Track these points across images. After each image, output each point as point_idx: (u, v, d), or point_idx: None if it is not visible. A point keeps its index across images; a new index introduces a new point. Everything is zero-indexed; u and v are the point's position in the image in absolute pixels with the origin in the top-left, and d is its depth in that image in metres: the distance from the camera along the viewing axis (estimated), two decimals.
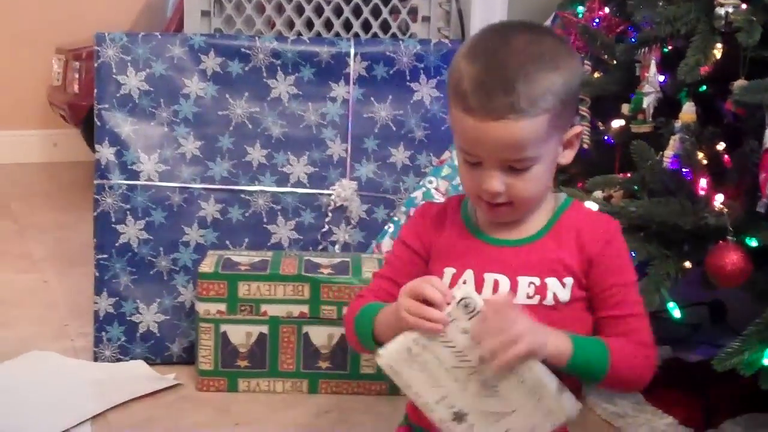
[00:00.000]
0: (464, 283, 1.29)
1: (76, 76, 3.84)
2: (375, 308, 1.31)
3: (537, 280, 1.28)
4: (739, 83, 1.64)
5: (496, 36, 1.26)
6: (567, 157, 1.32)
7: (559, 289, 1.28)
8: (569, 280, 1.29)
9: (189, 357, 2.18)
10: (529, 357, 1.18)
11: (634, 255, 1.71)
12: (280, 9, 2.55)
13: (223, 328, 2.05)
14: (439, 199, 2.24)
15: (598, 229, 1.31)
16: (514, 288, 1.28)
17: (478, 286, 1.29)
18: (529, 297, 1.28)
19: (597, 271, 1.29)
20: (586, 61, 2.03)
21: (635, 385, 1.37)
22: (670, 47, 1.85)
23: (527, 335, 1.17)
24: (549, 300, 1.28)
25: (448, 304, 1.20)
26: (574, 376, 1.28)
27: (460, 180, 1.33)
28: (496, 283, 1.29)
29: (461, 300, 1.19)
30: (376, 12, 2.54)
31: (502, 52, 1.22)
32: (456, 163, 2.23)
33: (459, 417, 1.22)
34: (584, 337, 1.28)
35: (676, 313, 1.77)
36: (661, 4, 1.81)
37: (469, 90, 1.21)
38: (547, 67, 1.21)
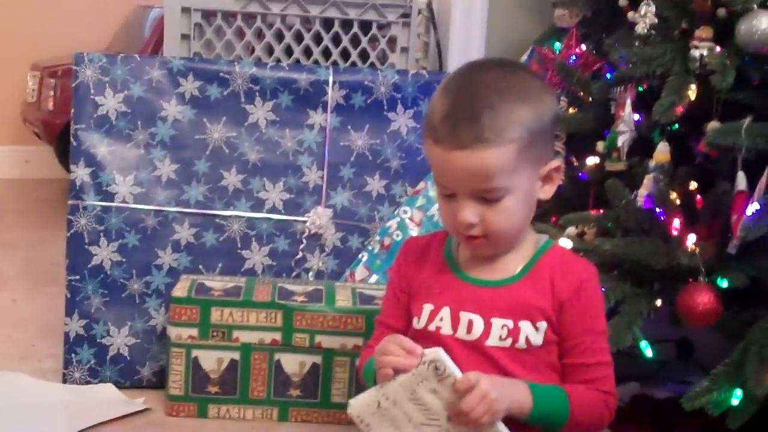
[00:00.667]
0: (441, 320, 1.31)
1: (51, 93, 3.83)
2: None
3: (510, 323, 1.30)
4: (713, 125, 1.66)
5: (469, 72, 1.31)
6: (547, 192, 1.33)
7: (532, 333, 1.30)
8: (543, 325, 1.30)
9: (159, 381, 2.17)
10: (498, 417, 1.22)
11: (606, 294, 1.72)
12: (259, 35, 2.55)
13: (195, 353, 2.05)
14: (412, 229, 2.26)
15: (571, 275, 1.32)
16: (487, 329, 1.30)
17: (454, 324, 1.31)
18: (501, 339, 1.29)
19: (566, 317, 1.30)
20: (562, 98, 2.05)
21: (594, 430, 1.39)
22: (645, 87, 1.88)
23: (500, 400, 1.21)
24: (521, 343, 1.29)
25: (419, 360, 1.22)
26: (535, 426, 1.30)
27: (440, 214, 1.35)
28: (470, 323, 1.30)
29: (430, 363, 1.21)
30: (355, 41, 2.56)
31: (472, 86, 1.26)
32: (431, 193, 2.25)
33: None
34: (545, 386, 1.29)
35: (648, 352, 1.79)
36: (637, 44, 1.84)
37: (437, 121, 1.25)
38: (515, 99, 1.24)
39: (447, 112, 1.24)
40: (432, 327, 1.33)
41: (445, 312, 1.32)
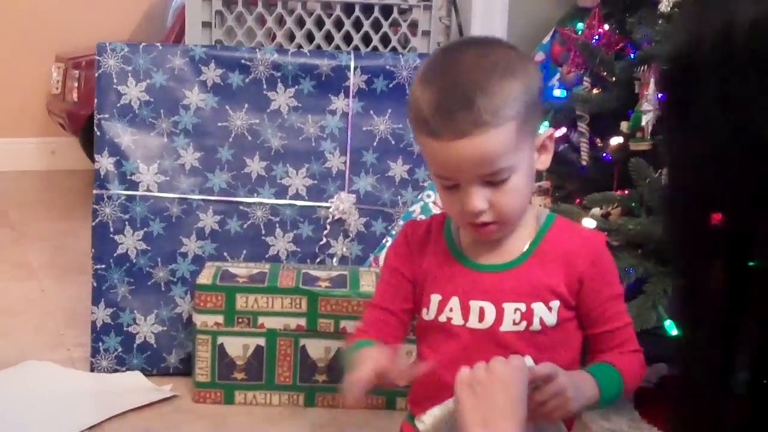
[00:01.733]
0: (451, 310, 1.29)
1: (75, 84, 3.85)
2: (363, 345, 1.29)
3: (523, 306, 1.28)
4: None
5: (446, 57, 1.26)
6: (544, 162, 1.30)
7: (546, 314, 1.28)
8: (555, 303, 1.28)
9: (186, 368, 2.18)
10: (570, 414, 1.22)
11: (631, 271, 1.71)
12: (280, 21, 2.55)
13: (220, 340, 2.06)
14: (436, 212, 2.25)
15: (585, 248, 1.30)
16: (499, 315, 1.28)
17: (465, 313, 1.29)
18: (515, 323, 1.28)
19: (588, 289, 1.29)
20: (585, 78, 2.04)
21: (635, 389, 1.41)
22: None
23: (573, 401, 1.20)
24: (536, 325, 1.28)
25: None
26: None
27: (443, 206, 1.32)
28: (481, 311, 1.29)
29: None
30: (376, 25, 2.55)
31: (454, 71, 1.21)
32: None
33: None
34: (602, 371, 1.28)
35: (674, 331, 1.77)
36: (660, 22, 1.82)
37: (429, 114, 1.20)
38: (503, 76, 1.20)
39: (437, 103, 1.20)
40: (443, 318, 1.31)
41: (455, 302, 1.30)
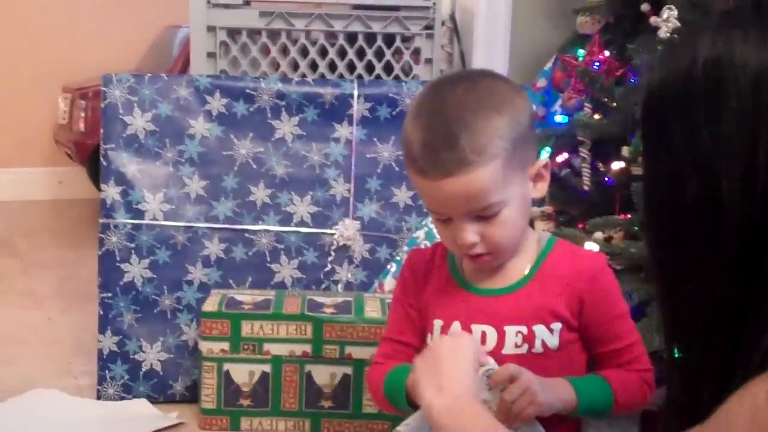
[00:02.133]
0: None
1: (82, 114, 3.88)
2: (403, 371, 1.29)
3: (524, 329, 1.28)
4: None
5: (434, 92, 1.25)
6: (540, 190, 1.30)
7: (548, 336, 1.29)
8: (557, 326, 1.29)
9: (192, 395, 2.19)
10: (542, 411, 1.21)
11: (633, 295, 1.72)
12: (284, 51, 2.58)
13: (226, 366, 2.06)
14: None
15: (585, 268, 1.31)
16: (501, 338, 1.28)
17: None
18: (517, 346, 1.28)
19: (589, 310, 1.29)
20: (586, 104, 2.05)
21: (639, 408, 1.41)
22: None
23: (542, 394, 1.20)
24: (538, 348, 1.28)
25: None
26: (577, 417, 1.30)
27: (439, 237, 1.33)
28: (483, 335, 1.29)
29: (487, 371, 1.21)
30: (379, 54, 2.57)
31: (441, 108, 1.21)
32: None
33: None
34: (585, 378, 1.29)
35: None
36: (660, 47, 1.83)
37: (417, 152, 1.20)
38: (488, 113, 1.20)
39: (424, 141, 1.20)
40: (435, 339, 1.32)
41: (456, 326, 1.30)
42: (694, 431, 0.80)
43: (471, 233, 1.23)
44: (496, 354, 1.27)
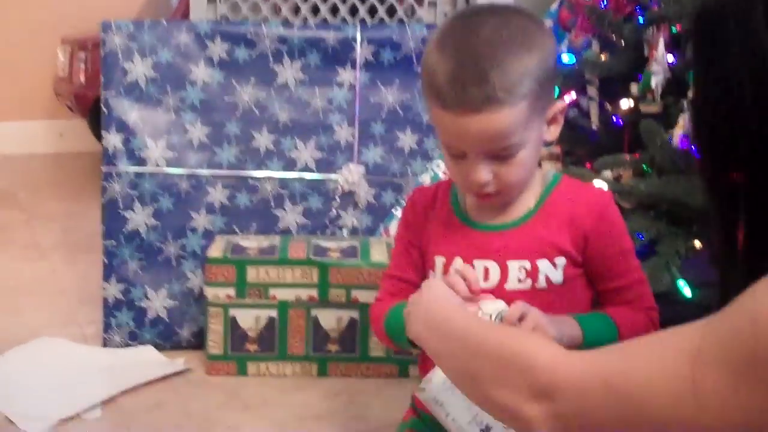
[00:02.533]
0: (456, 271, 1.29)
1: (82, 66, 3.84)
2: (403, 308, 1.27)
3: (527, 264, 1.27)
4: None
5: (464, 25, 1.22)
6: (553, 133, 1.29)
7: (551, 271, 1.27)
8: (561, 261, 1.27)
9: (198, 342, 2.19)
10: None
11: (642, 236, 1.70)
12: None
13: (232, 312, 2.05)
14: None
15: (590, 203, 1.29)
16: (504, 273, 1.27)
17: None
18: (520, 281, 1.27)
19: (594, 245, 1.28)
20: (594, 42, 2.02)
21: None
22: (677, 27, 1.84)
23: (550, 330, 1.18)
24: (541, 283, 1.27)
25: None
26: None
27: (448, 173, 1.32)
28: (486, 270, 1.28)
29: (500, 313, 1.19)
30: None
31: (472, 42, 1.18)
32: None
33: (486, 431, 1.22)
34: (590, 315, 1.28)
35: (687, 292, 1.76)
36: None
37: (443, 85, 1.18)
38: (520, 51, 1.18)
39: (452, 74, 1.17)
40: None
41: (458, 262, 1.29)
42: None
43: (485, 172, 1.22)
44: (499, 289, 1.26)
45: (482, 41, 1.18)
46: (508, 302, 1.22)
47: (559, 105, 1.29)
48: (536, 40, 1.21)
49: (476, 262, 1.28)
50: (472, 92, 1.16)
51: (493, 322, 1.18)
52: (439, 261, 1.32)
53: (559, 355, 0.89)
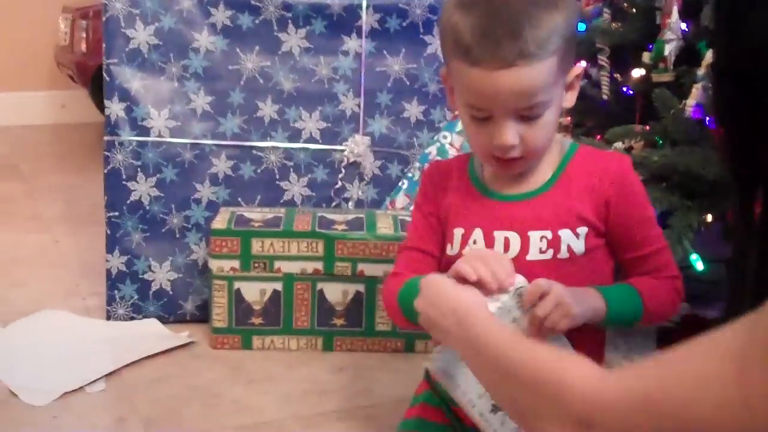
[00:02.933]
0: (474, 243, 1.27)
1: (84, 35, 3.79)
2: (417, 283, 1.25)
3: (549, 234, 1.25)
4: None
5: None
6: (570, 100, 1.29)
7: (573, 241, 1.25)
8: (583, 230, 1.26)
9: (202, 315, 2.16)
10: (575, 323, 1.17)
11: (654, 205, 1.67)
12: None
13: (237, 285, 2.03)
14: (453, 154, 2.21)
15: (610, 170, 1.28)
16: (525, 244, 1.25)
17: (489, 245, 1.26)
18: (542, 252, 1.25)
19: (616, 212, 1.26)
20: (605, 10, 1.98)
21: (668, 317, 1.40)
22: None
23: (574, 305, 1.16)
24: (563, 253, 1.25)
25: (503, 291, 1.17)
26: (600, 330, 1.27)
27: (468, 140, 1.30)
28: (506, 241, 1.26)
29: (517, 290, 1.17)
30: None
31: None
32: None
33: (496, 407, 1.20)
34: (613, 287, 1.26)
35: (699, 266, 1.74)
36: None
37: (472, 41, 1.17)
38: (549, 7, 1.17)
39: (481, 29, 1.16)
40: (467, 251, 1.28)
41: (478, 234, 1.27)
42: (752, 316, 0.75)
43: (513, 134, 1.20)
44: (520, 260, 1.24)
45: None
46: (529, 274, 1.20)
47: (577, 69, 1.28)
48: None
49: (496, 233, 1.27)
50: (505, 46, 1.15)
51: (519, 333, 1.15)
52: (458, 233, 1.30)
53: (592, 379, 0.84)
